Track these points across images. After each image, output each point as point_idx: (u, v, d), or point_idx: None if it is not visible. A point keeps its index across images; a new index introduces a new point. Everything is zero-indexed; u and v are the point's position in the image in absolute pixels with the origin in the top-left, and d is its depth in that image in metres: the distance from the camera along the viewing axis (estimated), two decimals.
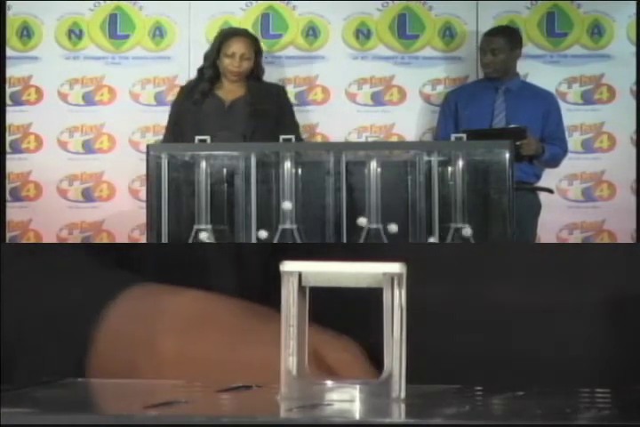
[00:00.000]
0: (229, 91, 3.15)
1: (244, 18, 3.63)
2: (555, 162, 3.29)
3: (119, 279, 1.34)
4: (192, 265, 1.41)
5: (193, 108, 3.10)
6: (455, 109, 3.35)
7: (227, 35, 3.17)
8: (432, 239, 2.29)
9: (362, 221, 2.31)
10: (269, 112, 3.09)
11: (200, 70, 3.18)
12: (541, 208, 3.26)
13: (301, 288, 1.10)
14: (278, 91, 3.26)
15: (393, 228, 2.31)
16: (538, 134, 3.13)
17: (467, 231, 2.29)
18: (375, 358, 1.19)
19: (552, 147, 3.17)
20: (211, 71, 3.13)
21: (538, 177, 3.32)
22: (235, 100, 3.12)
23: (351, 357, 1.23)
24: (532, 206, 3.20)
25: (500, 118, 3.26)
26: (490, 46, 3.29)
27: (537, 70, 3.59)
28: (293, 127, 3.17)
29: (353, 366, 1.22)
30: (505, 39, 3.29)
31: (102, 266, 1.39)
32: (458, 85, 3.57)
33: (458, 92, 3.45)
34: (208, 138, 2.36)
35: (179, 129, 3.12)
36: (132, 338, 1.26)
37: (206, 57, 3.18)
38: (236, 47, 3.08)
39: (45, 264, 1.38)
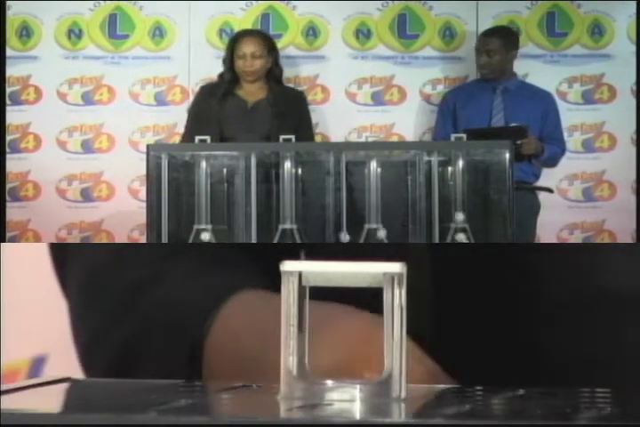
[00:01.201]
0: (251, 93, 3.15)
1: (244, 18, 3.63)
2: (553, 162, 3.28)
3: (231, 283, 1.39)
4: None
5: (215, 108, 3.10)
6: (453, 109, 3.35)
7: (236, 37, 3.21)
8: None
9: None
10: (289, 116, 3.09)
11: (220, 75, 3.20)
12: (540, 208, 3.25)
13: (301, 288, 1.10)
14: (297, 97, 3.25)
15: (381, 233, 2.30)
16: (536, 134, 3.13)
17: (460, 237, 2.29)
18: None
19: (551, 146, 3.17)
20: (229, 75, 3.15)
21: (537, 177, 3.31)
22: (257, 102, 3.12)
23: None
24: (532, 206, 3.20)
25: (498, 118, 3.26)
26: (485, 47, 3.27)
27: (537, 70, 3.59)
28: (308, 136, 3.16)
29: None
30: (501, 40, 3.27)
31: (220, 267, 1.45)
32: (457, 85, 3.57)
33: (456, 92, 3.44)
34: (208, 138, 2.36)
35: (200, 130, 3.08)
36: (242, 342, 1.29)
37: (224, 61, 3.21)
38: (246, 47, 3.11)
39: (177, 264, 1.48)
